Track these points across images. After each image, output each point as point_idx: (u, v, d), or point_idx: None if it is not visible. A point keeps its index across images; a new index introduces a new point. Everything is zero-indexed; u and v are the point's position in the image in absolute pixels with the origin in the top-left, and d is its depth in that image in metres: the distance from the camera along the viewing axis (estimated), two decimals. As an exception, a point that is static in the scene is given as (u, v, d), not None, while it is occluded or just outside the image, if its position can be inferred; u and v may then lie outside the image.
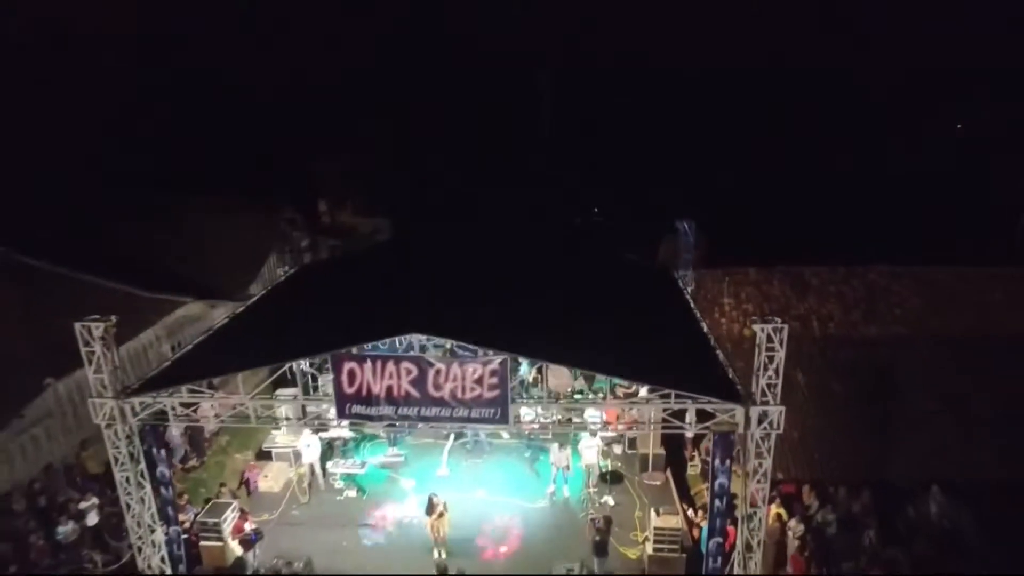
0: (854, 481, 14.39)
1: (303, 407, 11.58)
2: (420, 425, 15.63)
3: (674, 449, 15.32)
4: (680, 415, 10.57)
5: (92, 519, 13.73)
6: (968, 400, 15.29)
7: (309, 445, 14.72)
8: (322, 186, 32.73)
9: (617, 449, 15.77)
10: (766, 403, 10.08)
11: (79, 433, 16.15)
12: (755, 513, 10.77)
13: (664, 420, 10.68)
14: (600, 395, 14.35)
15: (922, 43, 27.37)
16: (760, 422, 10.11)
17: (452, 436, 16.33)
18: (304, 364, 14.22)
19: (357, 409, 10.64)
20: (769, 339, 9.92)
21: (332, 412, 11.00)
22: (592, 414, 14.00)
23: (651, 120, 30.79)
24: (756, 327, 9.97)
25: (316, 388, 14.74)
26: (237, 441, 17.86)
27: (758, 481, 10.55)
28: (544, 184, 30.67)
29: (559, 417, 12.74)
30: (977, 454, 14.36)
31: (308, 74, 32.60)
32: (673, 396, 10.28)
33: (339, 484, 14.84)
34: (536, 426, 15.36)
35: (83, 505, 13.87)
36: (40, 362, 15.30)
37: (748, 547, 10.92)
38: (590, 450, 14.40)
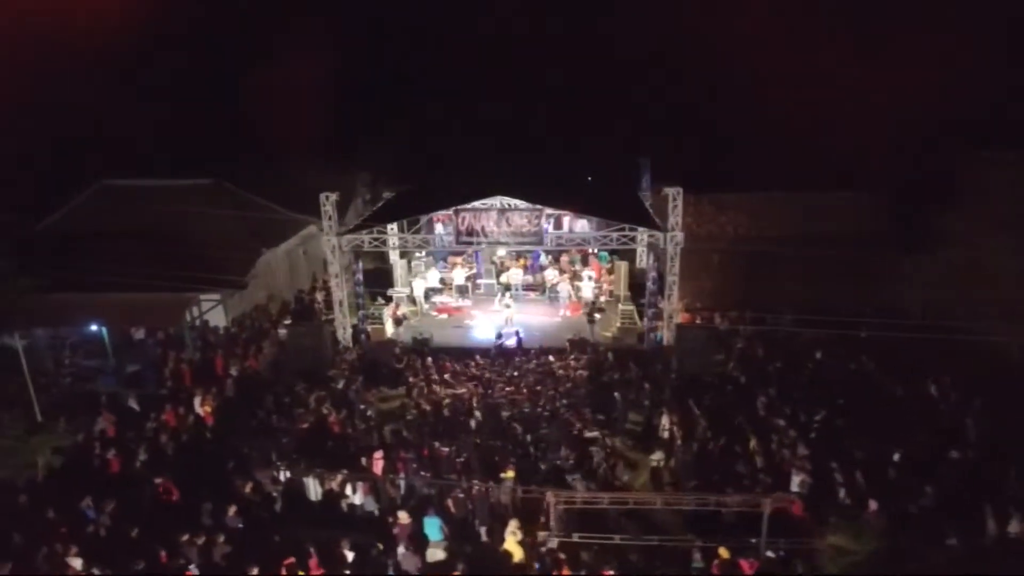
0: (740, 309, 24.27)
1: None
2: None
3: (636, 294, 25.12)
4: (633, 240, 20.42)
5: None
6: (812, 266, 24.98)
7: (417, 287, 24.77)
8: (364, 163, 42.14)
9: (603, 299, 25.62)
10: (674, 230, 19.91)
11: (266, 291, 26.00)
12: (672, 294, 20.61)
13: (623, 243, 20.53)
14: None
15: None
16: (672, 241, 19.94)
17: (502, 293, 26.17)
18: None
19: (464, 239, 20.48)
20: (673, 199, 19.75)
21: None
22: (589, 272, 24.30)
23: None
24: (667, 189, 19.80)
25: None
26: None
27: (672, 276, 20.38)
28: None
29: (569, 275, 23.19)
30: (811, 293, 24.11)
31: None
32: (628, 228, 20.18)
33: (433, 312, 24.82)
34: (558, 281, 25.45)
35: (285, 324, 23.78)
36: (250, 244, 25.18)
37: (671, 316, 20.79)
38: (588, 288, 24.37)
